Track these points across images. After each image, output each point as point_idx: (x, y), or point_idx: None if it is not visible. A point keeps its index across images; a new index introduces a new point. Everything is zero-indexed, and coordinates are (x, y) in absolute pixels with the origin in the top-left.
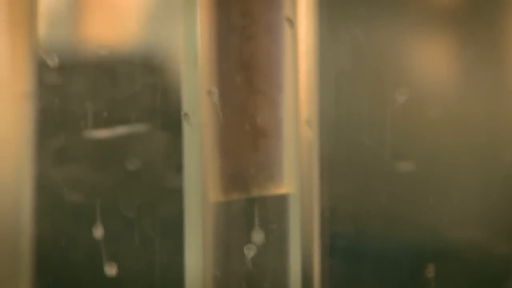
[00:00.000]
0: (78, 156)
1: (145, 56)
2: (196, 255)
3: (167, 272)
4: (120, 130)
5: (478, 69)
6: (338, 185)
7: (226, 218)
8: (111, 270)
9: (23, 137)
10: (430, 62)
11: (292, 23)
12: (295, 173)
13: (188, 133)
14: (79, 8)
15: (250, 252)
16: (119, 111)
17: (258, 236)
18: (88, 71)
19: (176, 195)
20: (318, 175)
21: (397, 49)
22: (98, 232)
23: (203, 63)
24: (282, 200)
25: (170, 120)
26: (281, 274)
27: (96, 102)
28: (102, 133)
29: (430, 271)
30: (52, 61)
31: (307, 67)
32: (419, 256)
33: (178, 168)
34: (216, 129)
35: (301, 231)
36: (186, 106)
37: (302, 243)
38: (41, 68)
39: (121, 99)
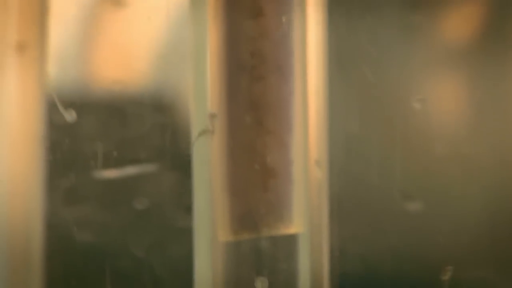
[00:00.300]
0: (88, 195)
1: (154, 95)
2: None
3: None
4: (130, 170)
5: (487, 107)
6: (348, 225)
7: (235, 258)
8: None
9: (34, 176)
10: (439, 101)
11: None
12: (304, 213)
13: (197, 172)
14: (89, 48)
15: (262, 285)
16: (129, 151)
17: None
18: (98, 111)
19: (186, 235)
20: (327, 215)
21: (406, 88)
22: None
23: (212, 103)
24: (291, 240)
25: (179, 159)
26: None
27: (106, 142)
28: (111, 173)
29: None
30: (71, 116)
31: (316, 107)
32: None
33: (188, 208)
34: (225, 169)
35: (310, 271)
36: (195, 145)
37: (311, 283)
38: (51, 107)
39: (130, 139)
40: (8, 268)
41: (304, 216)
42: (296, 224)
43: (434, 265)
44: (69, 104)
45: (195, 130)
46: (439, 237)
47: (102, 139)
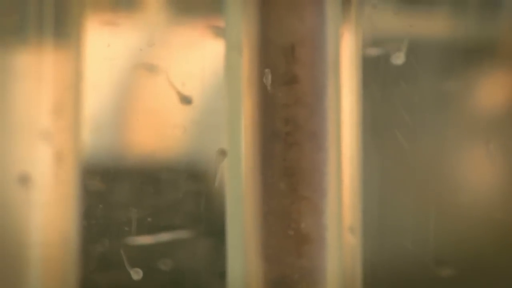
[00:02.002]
0: (122, 261)
1: (188, 163)
2: None
3: None
4: (164, 237)
5: None
6: None
7: None
8: None
9: (68, 241)
10: (473, 169)
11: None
12: (338, 279)
13: (231, 239)
14: (123, 115)
15: None
16: (163, 218)
17: None
18: (132, 177)
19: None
20: (361, 281)
21: (440, 156)
22: None
23: (247, 170)
24: None
25: (214, 226)
26: None
27: (140, 209)
28: (146, 239)
29: None
30: (137, 275)
31: (350, 173)
32: None
33: (222, 274)
34: (259, 235)
35: None
36: (229, 212)
37: None
38: (86, 173)
39: (165, 206)
40: None
41: (338, 282)
42: None
43: None
44: (104, 171)
45: (229, 196)
46: None
47: (136, 205)
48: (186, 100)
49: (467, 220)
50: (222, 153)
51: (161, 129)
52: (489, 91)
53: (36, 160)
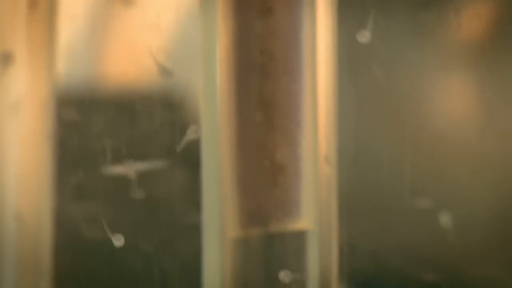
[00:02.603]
0: (96, 192)
1: (164, 93)
2: None
3: None
4: (139, 167)
5: (497, 107)
6: (357, 222)
7: (244, 254)
8: None
9: (43, 173)
10: (450, 101)
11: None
12: (313, 210)
13: (206, 169)
14: (98, 46)
15: (285, 277)
16: (138, 148)
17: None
18: (107, 108)
19: (195, 232)
20: (337, 211)
21: (416, 87)
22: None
23: (222, 101)
24: (300, 236)
25: (189, 157)
26: None
27: (115, 139)
28: (120, 170)
29: None
30: (119, 241)
31: (326, 104)
32: None
33: (197, 204)
34: (234, 165)
35: (319, 268)
36: (204, 143)
37: (320, 279)
38: (60, 105)
39: (140, 136)
40: (17, 264)
41: (313, 212)
42: (305, 220)
43: (443, 262)
44: (79, 101)
45: (204, 128)
46: (448, 235)
47: (111, 136)
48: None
49: (443, 152)
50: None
51: (136, 60)
52: (466, 22)
53: (10, 91)
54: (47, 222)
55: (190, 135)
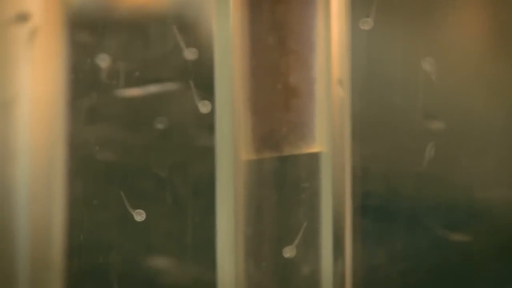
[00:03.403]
0: (110, 115)
1: (177, 16)
2: (228, 214)
3: (199, 231)
4: (153, 89)
5: (510, 27)
6: (370, 144)
7: (257, 176)
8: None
9: (56, 96)
10: (463, 24)
11: None
12: (326, 132)
13: (220, 91)
14: None
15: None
16: (151, 71)
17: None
18: (121, 31)
19: (208, 154)
20: (349, 134)
21: (429, 11)
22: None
23: (235, 22)
24: (313, 158)
25: (202, 80)
26: (313, 233)
27: (128, 62)
28: (134, 92)
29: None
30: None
31: (339, 27)
32: (451, 216)
33: (210, 127)
34: (248, 89)
35: (332, 190)
36: (218, 65)
37: (333, 201)
38: (74, 27)
39: (153, 59)
40: (30, 184)
41: (326, 135)
42: (318, 143)
43: (455, 184)
44: (92, 24)
45: (217, 51)
46: (461, 157)
47: (125, 58)
48: None
49: (456, 73)
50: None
51: None
52: None
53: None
54: (60, 145)
55: (194, 55)
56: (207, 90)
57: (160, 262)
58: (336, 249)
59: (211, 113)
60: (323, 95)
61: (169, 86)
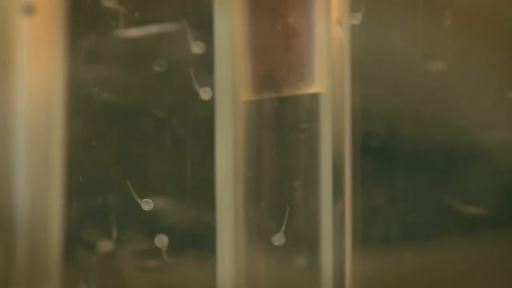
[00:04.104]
0: (109, 55)
1: None
2: (227, 155)
3: (198, 172)
4: (152, 30)
5: None
6: (370, 85)
7: (257, 117)
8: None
9: (55, 37)
10: None
11: None
12: (326, 73)
13: (219, 32)
14: None
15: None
16: (151, 12)
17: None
18: None
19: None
20: (349, 74)
21: None
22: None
23: None
24: (313, 99)
25: (201, 20)
26: (312, 174)
27: (127, 2)
28: (133, 33)
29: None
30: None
31: None
32: (450, 156)
33: (209, 68)
34: (247, 29)
35: (332, 131)
36: (217, 5)
37: (333, 142)
38: None
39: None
40: (29, 126)
41: (326, 75)
42: (318, 83)
43: (455, 124)
44: None
45: None
46: (461, 97)
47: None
48: None
49: (455, 13)
50: None
51: None
52: None
53: None
54: (59, 85)
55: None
56: (206, 30)
57: (159, 203)
58: (335, 189)
59: (210, 54)
60: (322, 36)
61: (168, 27)
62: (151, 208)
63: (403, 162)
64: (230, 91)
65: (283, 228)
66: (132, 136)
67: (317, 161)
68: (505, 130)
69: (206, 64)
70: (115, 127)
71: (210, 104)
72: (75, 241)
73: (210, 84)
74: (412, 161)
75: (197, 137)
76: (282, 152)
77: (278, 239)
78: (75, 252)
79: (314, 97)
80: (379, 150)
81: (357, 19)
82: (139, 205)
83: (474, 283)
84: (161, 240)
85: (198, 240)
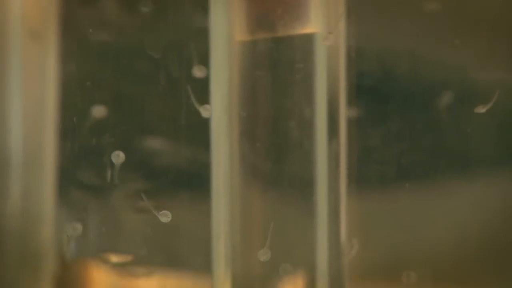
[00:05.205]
0: None
1: None
2: (222, 94)
3: (193, 112)
4: None
5: None
6: (365, 24)
7: (251, 57)
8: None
9: None
10: None
11: None
12: (321, 13)
13: None
14: None
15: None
16: None
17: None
18: None
19: (202, 35)
20: (344, 14)
21: None
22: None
23: None
24: (308, 39)
25: None
26: (307, 116)
27: None
28: None
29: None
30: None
31: None
32: (445, 97)
33: (204, 7)
34: None
35: (327, 71)
36: None
37: (328, 82)
38: None
39: None
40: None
41: (321, 15)
42: (313, 23)
43: (450, 65)
44: None
45: None
46: (455, 38)
47: None
48: None
49: None
50: None
51: None
52: None
53: None
54: (52, 26)
55: None
56: None
57: (154, 143)
58: (330, 130)
59: None
60: None
61: None
62: (169, 219)
63: (399, 102)
64: (225, 31)
65: (267, 244)
66: (127, 76)
67: (312, 101)
68: (501, 71)
69: (200, 4)
70: (110, 67)
71: (205, 44)
72: (69, 180)
73: (205, 24)
74: (408, 101)
75: (191, 77)
76: (277, 92)
77: (264, 255)
78: (69, 190)
79: (309, 37)
80: (374, 90)
81: None
82: (134, 147)
83: (469, 223)
84: (118, 156)
85: (193, 180)
